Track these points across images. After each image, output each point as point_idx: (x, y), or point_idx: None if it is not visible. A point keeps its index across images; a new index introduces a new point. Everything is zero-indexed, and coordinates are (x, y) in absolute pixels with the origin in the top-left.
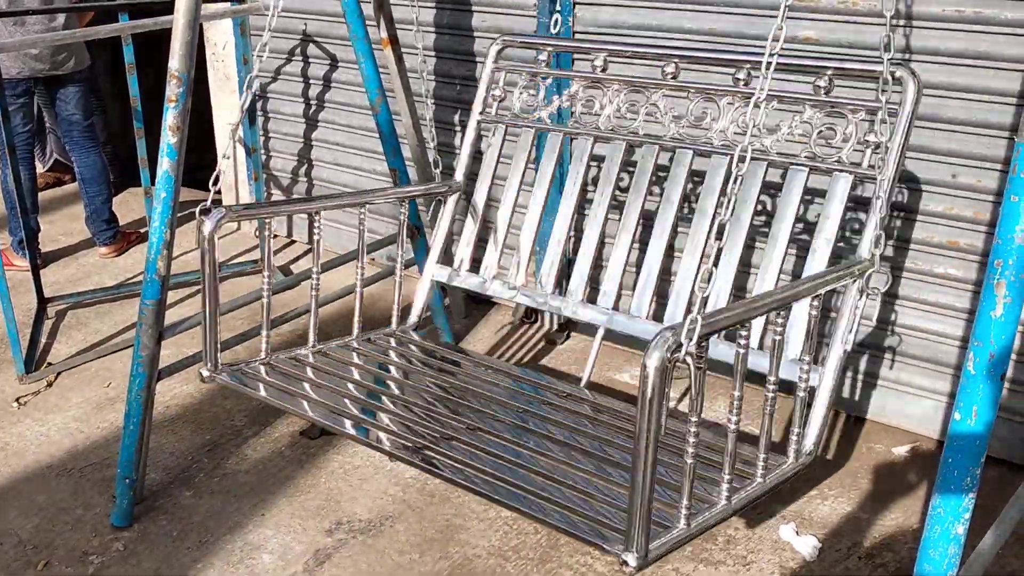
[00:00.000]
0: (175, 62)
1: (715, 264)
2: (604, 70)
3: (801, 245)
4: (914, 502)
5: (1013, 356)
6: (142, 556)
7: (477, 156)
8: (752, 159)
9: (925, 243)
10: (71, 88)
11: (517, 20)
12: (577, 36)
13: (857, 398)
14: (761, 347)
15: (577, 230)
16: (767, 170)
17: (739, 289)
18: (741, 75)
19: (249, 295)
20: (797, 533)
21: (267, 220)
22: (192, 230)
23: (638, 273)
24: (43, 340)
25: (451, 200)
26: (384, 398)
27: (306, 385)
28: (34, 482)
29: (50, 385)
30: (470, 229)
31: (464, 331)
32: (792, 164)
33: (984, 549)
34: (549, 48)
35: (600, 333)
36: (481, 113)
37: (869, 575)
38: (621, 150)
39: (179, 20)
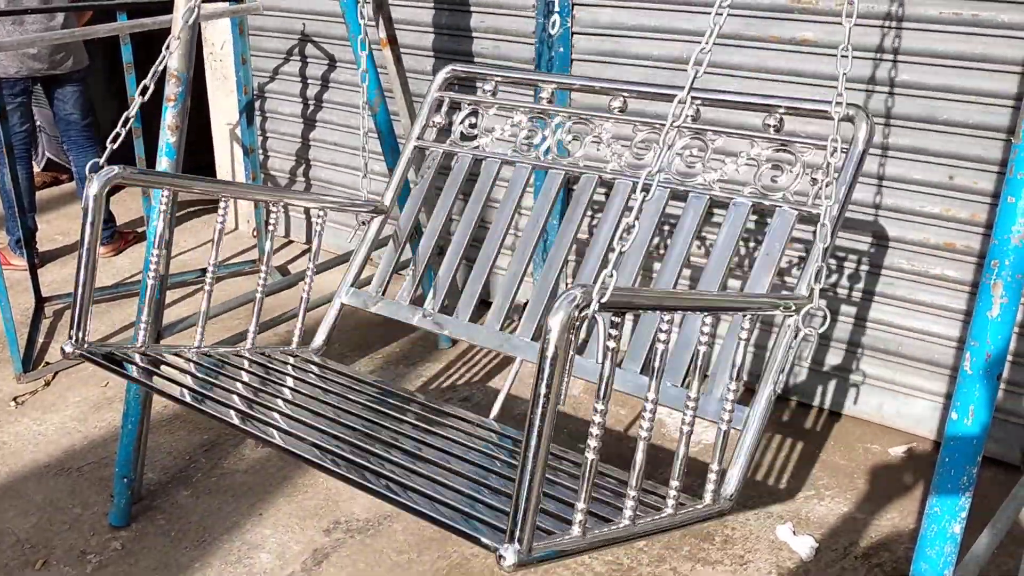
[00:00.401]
0: (174, 61)
1: (628, 230)
2: (551, 101)
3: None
4: (911, 502)
5: (1010, 357)
6: (140, 555)
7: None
8: (692, 192)
9: (922, 244)
10: (69, 88)
11: (516, 21)
12: (574, 41)
13: (854, 399)
14: (684, 382)
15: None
16: (707, 205)
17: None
18: (689, 111)
19: (243, 296)
20: (794, 533)
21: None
22: (190, 229)
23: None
24: (41, 339)
25: (375, 222)
26: (264, 398)
27: (188, 379)
28: (32, 481)
29: (48, 384)
30: (391, 253)
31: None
32: (735, 198)
33: (980, 548)
34: (496, 79)
35: (517, 365)
36: (418, 139)
37: (865, 575)
38: (559, 180)
39: (177, 19)
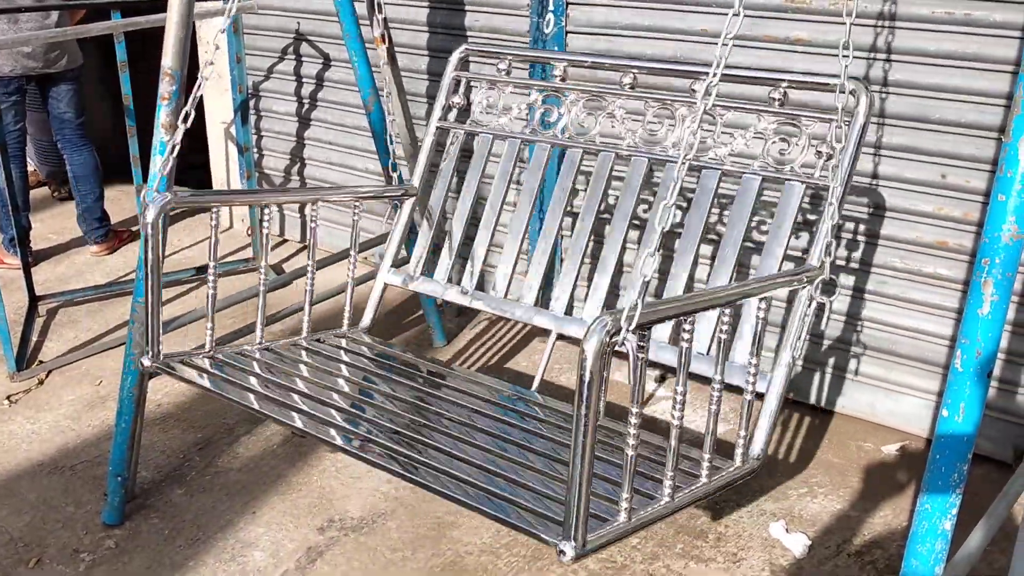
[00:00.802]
0: (168, 59)
1: (657, 249)
2: (564, 79)
3: (756, 255)
4: (903, 500)
5: (1003, 355)
6: (133, 554)
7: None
8: (705, 168)
9: (915, 243)
10: (63, 86)
11: (510, 20)
12: (568, 40)
13: (847, 397)
14: (708, 352)
15: (533, 237)
16: (720, 180)
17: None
18: (697, 86)
19: (240, 294)
20: (787, 530)
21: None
22: (184, 228)
23: (589, 282)
24: (34, 338)
25: (407, 204)
26: (334, 395)
27: (252, 379)
28: (25, 480)
29: (41, 383)
30: (425, 234)
31: (457, 328)
32: (746, 172)
33: (972, 546)
34: (509, 58)
35: (552, 338)
36: (440, 120)
37: (858, 572)
38: (578, 158)
39: (171, 17)
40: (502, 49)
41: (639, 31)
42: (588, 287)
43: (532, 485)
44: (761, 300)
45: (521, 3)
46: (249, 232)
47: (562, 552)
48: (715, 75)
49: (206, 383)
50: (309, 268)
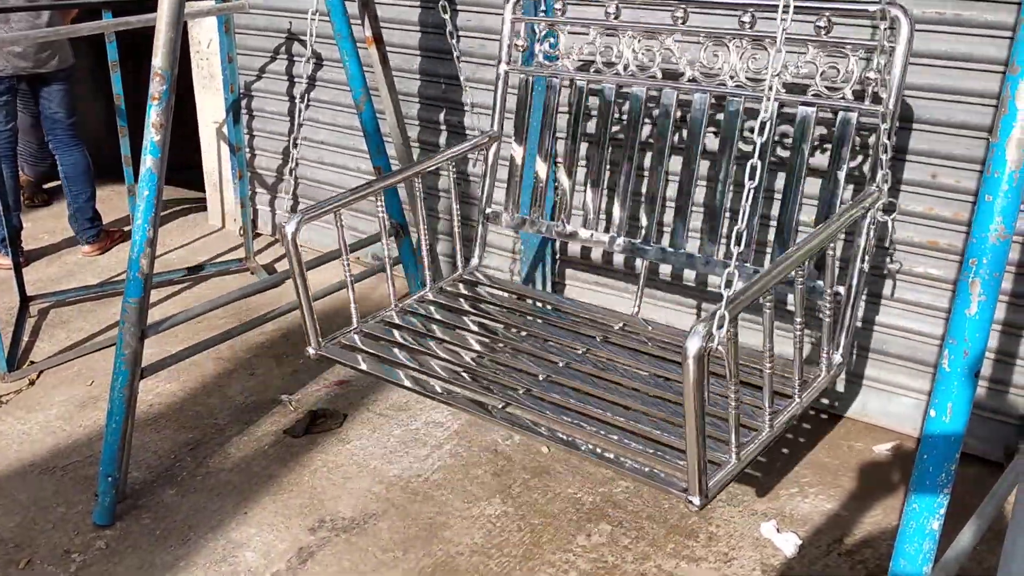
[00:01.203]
0: (158, 59)
1: (735, 267)
2: (617, 17)
3: (816, 174)
4: (894, 500)
5: (993, 355)
6: (124, 554)
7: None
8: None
9: (906, 243)
10: (54, 87)
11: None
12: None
13: (839, 397)
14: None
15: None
16: (778, 110)
17: (763, 217)
18: (746, 18)
19: (230, 294)
20: (778, 530)
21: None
22: (175, 229)
23: (677, 211)
24: (25, 338)
25: (492, 148)
26: (463, 354)
27: (396, 351)
28: (16, 480)
29: (32, 383)
30: (514, 179)
31: None
32: (801, 103)
33: (961, 545)
34: None
35: (645, 268)
36: (507, 64)
37: (849, 572)
38: (643, 93)
39: (162, 17)
40: None
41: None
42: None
43: (648, 432)
44: (832, 242)
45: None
46: (241, 232)
47: (690, 502)
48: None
49: (363, 366)
50: (422, 228)
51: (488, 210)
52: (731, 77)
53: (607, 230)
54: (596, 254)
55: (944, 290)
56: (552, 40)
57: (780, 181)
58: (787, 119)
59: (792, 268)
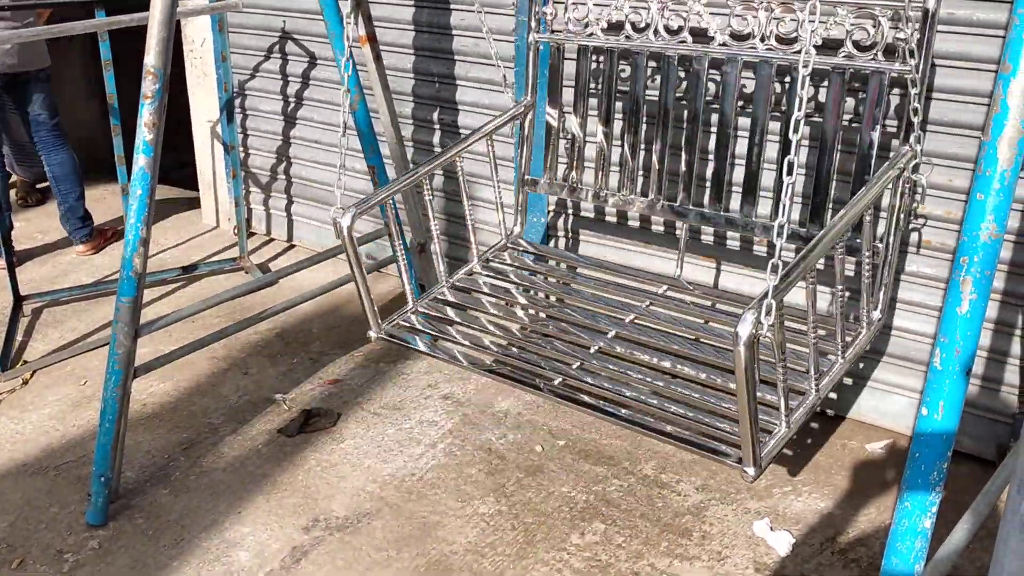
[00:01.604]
0: (151, 58)
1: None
2: None
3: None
4: (888, 498)
5: (986, 353)
6: (117, 554)
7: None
8: (795, 66)
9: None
10: (36, 87)
11: (495, 18)
12: None
13: (832, 396)
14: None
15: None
16: (811, 71)
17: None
18: None
19: (224, 293)
20: (771, 529)
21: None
22: (170, 228)
23: (715, 174)
24: (19, 338)
25: (528, 117)
26: (515, 330)
27: (451, 330)
28: (9, 480)
29: (26, 383)
30: (553, 145)
31: None
32: (834, 67)
33: (953, 543)
34: None
35: (685, 231)
36: (537, 32)
37: (842, 570)
38: (675, 62)
39: (155, 16)
40: None
41: None
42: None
43: (709, 404)
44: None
45: (506, 2)
46: (235, 231)
47: (746, 472)
48: None
49: (421, 347)
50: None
51: (527, 177)
52: (762, 40)
53: (645, 194)
54: (635, 220)
55: (937, 288)
56: (580, 6)
57: (810, 155)
58: (818, 80)
59: (835, 241)
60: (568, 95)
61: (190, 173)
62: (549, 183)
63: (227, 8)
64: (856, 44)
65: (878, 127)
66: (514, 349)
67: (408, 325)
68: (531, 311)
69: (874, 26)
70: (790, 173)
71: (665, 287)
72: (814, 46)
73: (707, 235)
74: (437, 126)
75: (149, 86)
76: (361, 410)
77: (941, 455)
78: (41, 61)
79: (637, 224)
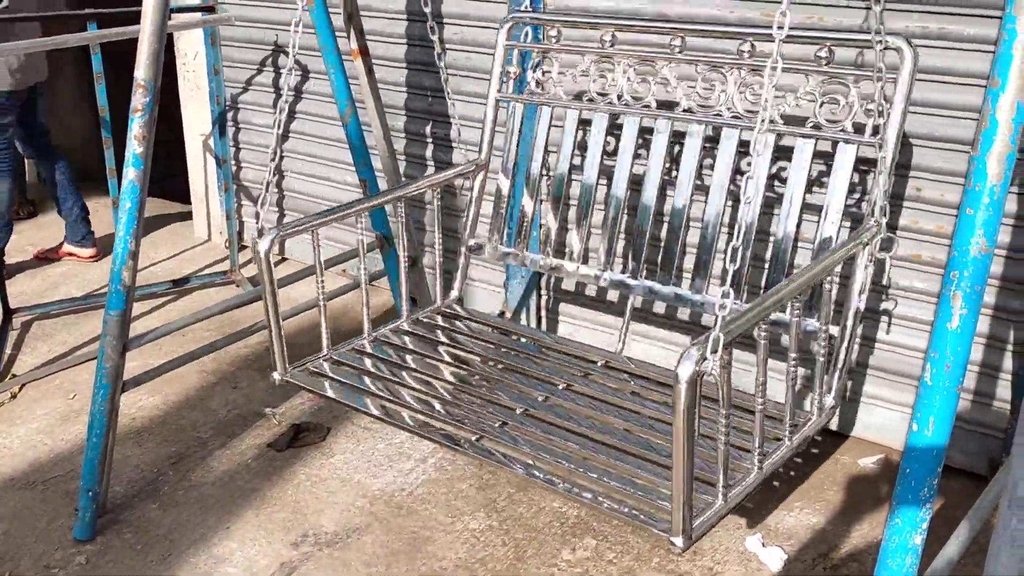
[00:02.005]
0: (141, 71)
1: (731, 287)
2: (612, 44)
3: (812, 210)
4: (880, 513)
5: (977, 368)
6: (105, 569)
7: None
8: (761, 132)
9: (890, 255)
10: (41, 99)
11: (486, 32)
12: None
13: None
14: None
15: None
16: (777, 142)
17: (755, 259)
18: (745, 47)
19: (214, 307)
20: (763, 544)
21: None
22: (161, 241)
23: (663, 247)
24: (8, 351)
25: (479, 178)
26: (438, 386)
27: (366, 379)
28: None
29: (14, 397)
30: (498, 207)
31: None
32: (800, 135)
33: (945, 559)
34: (559, 23)
35: (631, 301)
36: (498, 91)
37: None
38: (636, 124)
39: (145, 28)
40: (550, 16)
41: (620, 19)
42: (660, 254)
43: (633, 471)
44: (827, 276)
45: (497, 17)
46: (227, 245)
47: (673, 544)
48: (780, 31)
49: (330, 392)
50: (403, 256)
51: (471, 242)
52: (728, 108)
53: (604, 265)
54: (590, 290)
55: (928, 303)
56: (545, 68)
57: (774, 223)
58: (785, 153)
59: (789, 297)
60: (526, 156)
61: (180, 184)
62: (494, 249)
63: (219, 21)
64: (826, 115)
65: (842, 201)
66: (435, 405)
67: (318, 371)
68: (456, 371)
69: (845, 96)
70: (734, 260)
71: (604, 360)
72: (780, 115)
73: (660, 311)
74: (429, 139)
75: (139, 99)
76: (351, 424)
77: (932, 471)
78: (43, 73)
79: (593, 297)
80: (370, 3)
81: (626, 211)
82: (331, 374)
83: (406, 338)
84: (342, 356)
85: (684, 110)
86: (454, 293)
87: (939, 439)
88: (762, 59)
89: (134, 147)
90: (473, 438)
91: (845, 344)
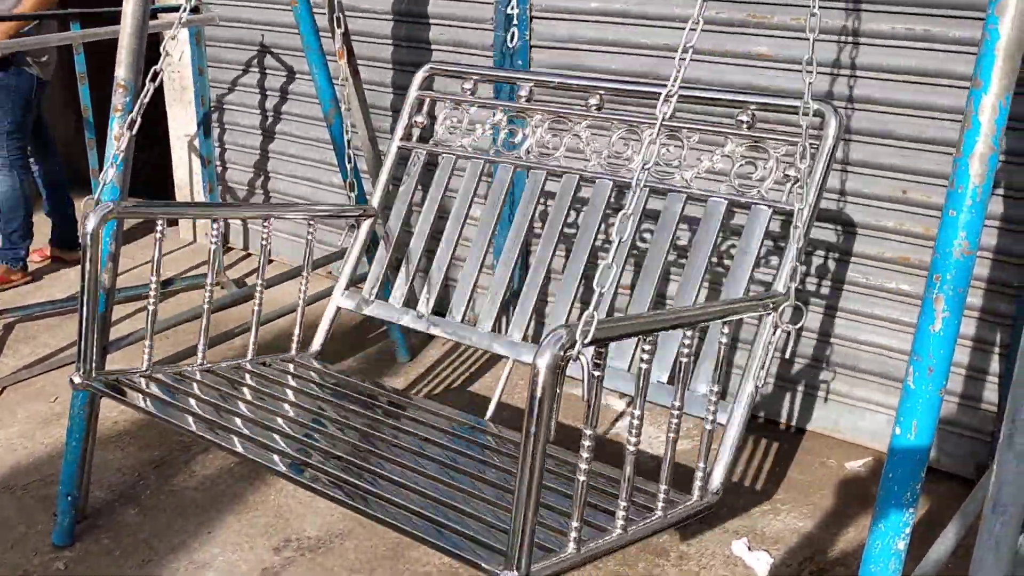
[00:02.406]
0: (121, 71)
1: (618, 265)
2: (529, 100)
3: (721, 281)
4: (867, 517)
5: (963, 371)
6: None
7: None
8: (672, 191)
9: (877, 258)
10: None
11: (475, 33)
12: (532, 55)
13: (810, 413)
14: (671, 381)
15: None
16: (686, 203)
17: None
18: (665, 109)
19: (192, 310)
20: (749, 548)
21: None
22: (146, 242)
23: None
24: None
25: (364, 225)
26: (278, 420)
27: (191, 401)
28: None
29: None
30: (382, 257)
31: (421, 345)
32: (712, 196)
33: (930, 563)
34: (475, 77)
35: (509, 366)
36: (402, 139)
37: None
38: (541, 180)
39: (125, 28)
40: (468, 69)
41: (603, 46)
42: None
43: (482, 516)
44: (724, 325)
45: (486, 17)
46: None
47: None
48: (674, 85)
49: (141, 403)
50: (258, 288)
51: (344, 291)
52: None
53: (469, 321)
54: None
55: (915, 305)
56: (456, 119)
57: (673, 288)
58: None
59: (674, 322)
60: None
61: (168, 185)
62: (365, 301)
63: (205, 21)
64: (741, 179)
65: (752, 264)
66: (268, 434)
67: (131, 383)
68: (290, 413)
69: (764, 161)
70: (606, 278)
71: (468, 425)
72: (695, 177)
73: None
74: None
75: (119, 99)
76: None
77: (915, 475)
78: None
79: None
80: (355, 3)
81: (515, 271)
82: (146, 389)
83: (246, 375)
84: (166, 376)
85: (592, 167)
86: (315, 346)
87: (922, 443)
88: (683, 121)
89: (115, 147)
90: (292, 462)
91: (738, 426)
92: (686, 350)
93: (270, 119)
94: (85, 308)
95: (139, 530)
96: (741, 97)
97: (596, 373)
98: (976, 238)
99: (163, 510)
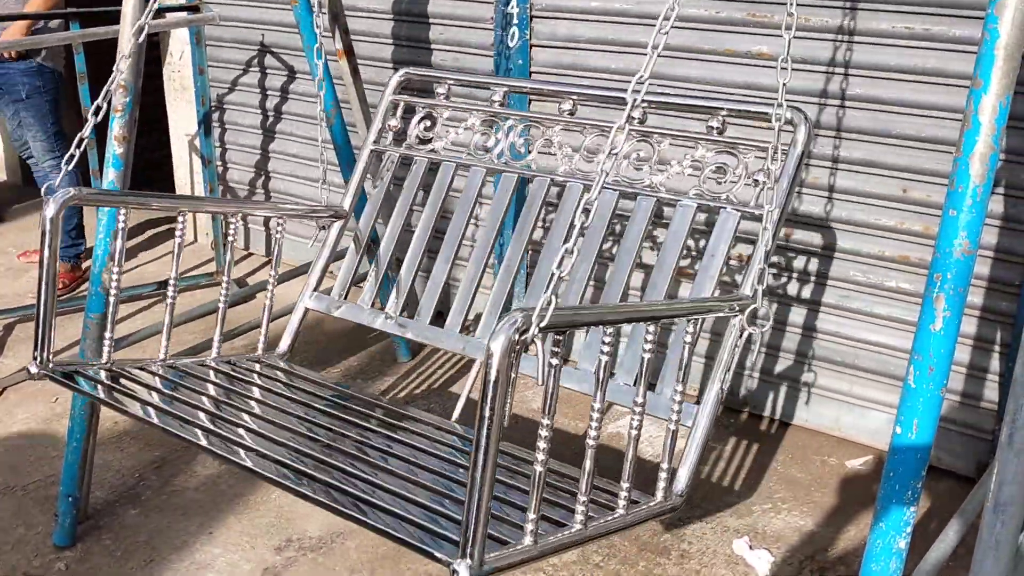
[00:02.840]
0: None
1: (575, 246)
2: (503, 105)
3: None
4: (868, 516)
5: (964, 369)
6: None
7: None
8: (641, 195)
9: (877, 257)
10: None
11: (475, 33)
12: (532, 54)
13: (811, 411)
14: (635, 383)
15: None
16: (655, 205)
17: None
18: (636, 113)
19: (199, 308)
20: (750, 547)
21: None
22: (147, 242)
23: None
24: None
25: (335, 228)
26: (237, 414)
27: (154, 395)
28: None
29: None
30: (352, 258)
31: (422, 344)
32: (681, 200)
33: (931, 562)
34: (450, 82)
35: (476, 367)
36: (375, 143)
37: None
38: (513, 183)
39: (125, 28)
40: (442, 74)
41: (604, 45)
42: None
43: (445, 511)
44: (689, 323)
45: (485, 16)
46: (213, 246)
47: (455, 572)
48: (641, 83)
49: (100, 394)
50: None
51: (312, 293)
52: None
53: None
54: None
55: (915, 304)
56: (428, 124)
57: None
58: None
59: (639, 318)
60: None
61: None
62: (334, 303)
63: (204, 21)
64: (711, 183)
65: (719, 268)
66: (223, 424)
67: (87, 374)
68: (255, 403)
69: (734, 166)
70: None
71: (436, 428)
72: (667, 179)
73: None
74: None
75: (119, 99)
76: None
77: (916, 474)
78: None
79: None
80: (355, 3)
81: (482, 272)
82: (103, 379)
83: (210, 371)
84: (126, 368)
85: (564, 171)
86: (281, 347)
87: (923, 442)
88: (649, 128)
89: (114, 148)
90: (255, 458)
91: (704, 428)
92: (648, 346)
93: (270, 119)
94: (43, 296)
95: (140, 530)
96: (712, 104)
97: (553, 361)
98: (976, 237)
99: (164, 510)
